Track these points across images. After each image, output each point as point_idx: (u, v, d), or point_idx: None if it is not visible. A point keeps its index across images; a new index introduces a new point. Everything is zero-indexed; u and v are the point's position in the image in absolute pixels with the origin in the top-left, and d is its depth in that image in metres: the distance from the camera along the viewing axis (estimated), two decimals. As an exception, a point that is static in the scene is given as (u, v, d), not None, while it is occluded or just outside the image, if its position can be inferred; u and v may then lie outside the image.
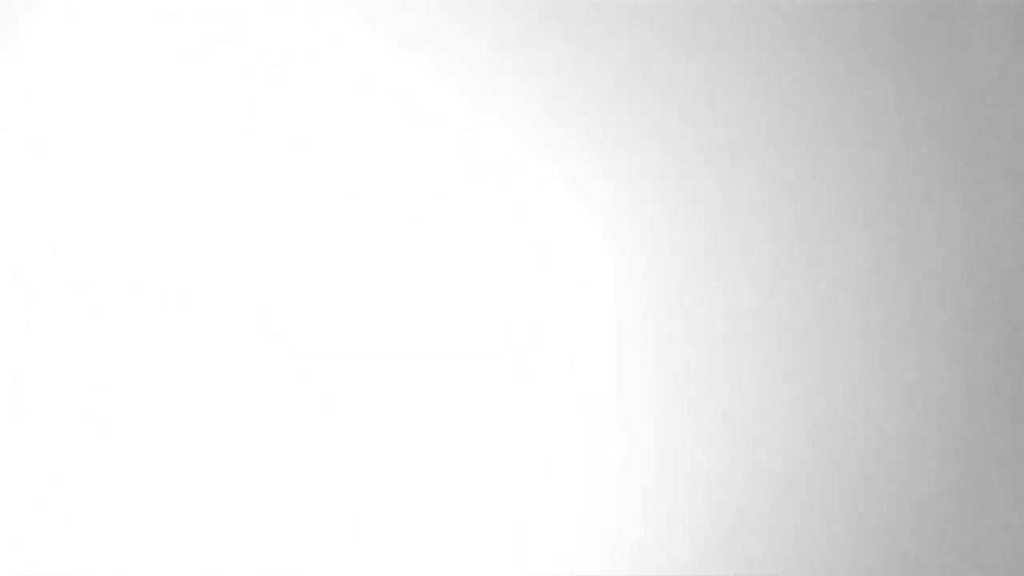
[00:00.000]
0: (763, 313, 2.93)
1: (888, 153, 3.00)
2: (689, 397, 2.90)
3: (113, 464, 2.68)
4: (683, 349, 2.90)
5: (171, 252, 2.72)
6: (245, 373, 2.73)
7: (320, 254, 2.78)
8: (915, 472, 2.99)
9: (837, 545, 2.94)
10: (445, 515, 2.79)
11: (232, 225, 2.75)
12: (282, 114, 2.78)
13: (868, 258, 2.98)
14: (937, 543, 2.98)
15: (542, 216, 2.85)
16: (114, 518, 2.68)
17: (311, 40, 2.80)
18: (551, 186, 2.86)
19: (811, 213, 2.96)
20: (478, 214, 2.84)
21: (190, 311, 2.72)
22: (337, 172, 2.80)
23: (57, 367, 2.67)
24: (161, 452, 2.70)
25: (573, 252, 2.86)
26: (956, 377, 3.01)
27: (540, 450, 2.84)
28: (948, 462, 3.00)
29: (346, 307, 2.78)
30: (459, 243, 2.83)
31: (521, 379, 2.83)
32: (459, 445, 2.80)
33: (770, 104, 2.95)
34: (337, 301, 2.77)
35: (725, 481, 2.90)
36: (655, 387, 2.89)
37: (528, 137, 2.87)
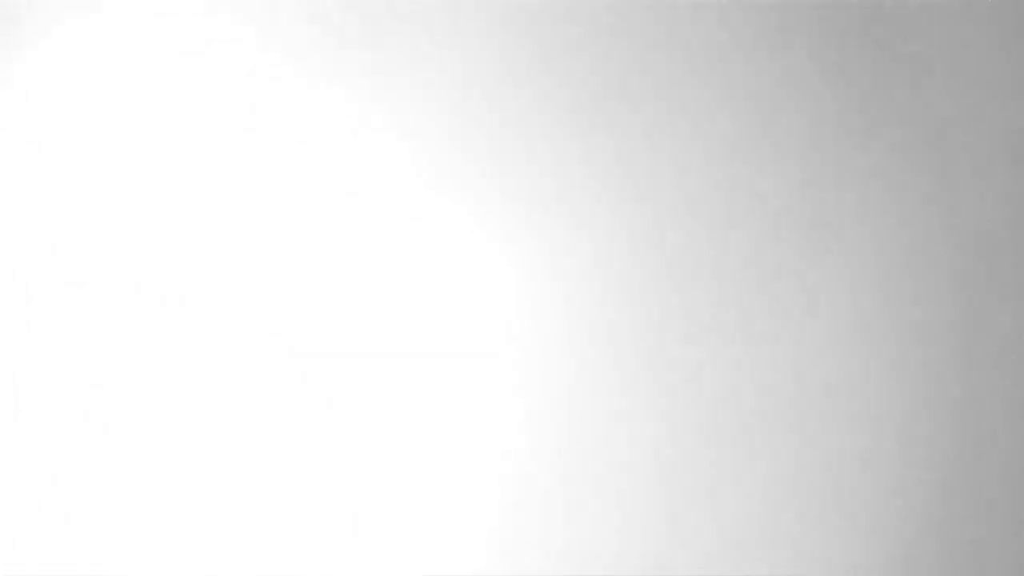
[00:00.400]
0: (758, 311, 2.93)
1: (886, 152, 3.00)
2: (684, 400, 2.91)
3: (113, 464, 2.68)
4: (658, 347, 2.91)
5: (171, 252, 2.72)
6: (245, 373, 2.73)
7: (320, 254, 2.78)
8: (915, 472, 2.99)
9: (836, 544, 2.94)
10: (443, 514, 2.79)
11: (232, 225, 2.75)
12: (282, 114, 2.77)
13: (865, 258, 2.98)
14: (937, 542, 2.98)
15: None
16: (114, 518, 2.68)
17: (311, 40, 2.80)
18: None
19: (808, 213, 2.96)
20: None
21: (190, 311, 2.72)
22: (337, 172, 2.80)
23: (57, 367, 2.67)
24: (161, 452, 2.70)
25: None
26: (956, 377, 3.01)
27: (539, 448, 2.84)
28: (949, 462, 3.01)
29: (346, 307, 2.78)
30: (461, 243, 2.83)
31: (523, 379, 2.83)
32: (458, 445, 2.81)
33: (765, 107, 2.96)
34: (337, 301, 2.77)
35: (728, 480, 2.90)
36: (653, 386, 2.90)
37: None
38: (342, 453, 2.75)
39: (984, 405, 3.03)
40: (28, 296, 2.69)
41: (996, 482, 3.02)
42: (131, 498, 2.69)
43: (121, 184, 2.73)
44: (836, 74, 2.99)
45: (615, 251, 2.89)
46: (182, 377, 2.72)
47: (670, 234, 2.90)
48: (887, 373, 2.98)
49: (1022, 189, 3.05)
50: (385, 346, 2.78)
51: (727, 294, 2.92)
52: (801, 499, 2.93)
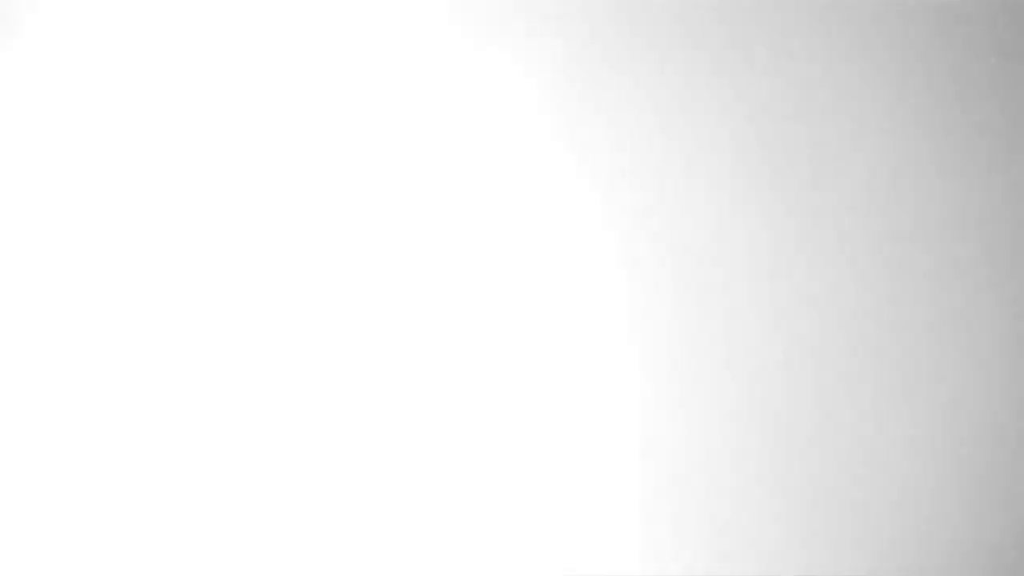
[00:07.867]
0: (761, 313, 2.93)
1: (890, 151, 3.00)
2: (679, 396, 2.91)
3: (113, 464, 2.68)
4: (679, 347, 2.91)
5: (171, 252, 2.73)
6: (245, 373, 2.74)
7: (320, 253, 2.78)
8: (916, 472, 2.99)
9: (836, 544, 2.94)
10: (444, 515, 2.79)
11: (233, 225, 2.76)
12: (284, 114, 2.78)
13: (865, 256, 2.98)
14: (937, 542, 2.98)
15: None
16: (114, 518, 2.68)
17: (312, 40, 2.80)
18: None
19: (806, 212, 2.96)
20: (483, 213, 2.85)
21: (190, 311, 2.73)
22: (338, 172, 2.80)
23: (57, 367, 2.67)
24: (161, 452, 2.70)
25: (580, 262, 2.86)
26: (957, 377, 3.01)
27: (542, 450, 2.84)
28: (949, 462, 3.01)
29: (347, 307, 2.78)
30: (462, 243, 2.83)
31: (527, 379, 2.83)
32: (460, 445, 2.81)
33: (768, 107, 2.96)
34: (337, 301, 2.77)
35: (728, 480, 2.90)
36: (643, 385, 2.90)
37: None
38: (342, 453, 2.76)
39: (986, 404, 3.03)
40: (28, 296, 2.69)
41: (997, 481, 3.02)
42: (131, 498, 2.69)
43: (121, 184, 2.73)
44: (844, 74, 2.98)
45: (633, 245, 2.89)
46: (182, 377, 2.72)
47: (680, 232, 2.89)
48: (895, 372, 2.98)
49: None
50: (388, 346, 2.78)
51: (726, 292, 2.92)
52: (811, 499, 2.93)
